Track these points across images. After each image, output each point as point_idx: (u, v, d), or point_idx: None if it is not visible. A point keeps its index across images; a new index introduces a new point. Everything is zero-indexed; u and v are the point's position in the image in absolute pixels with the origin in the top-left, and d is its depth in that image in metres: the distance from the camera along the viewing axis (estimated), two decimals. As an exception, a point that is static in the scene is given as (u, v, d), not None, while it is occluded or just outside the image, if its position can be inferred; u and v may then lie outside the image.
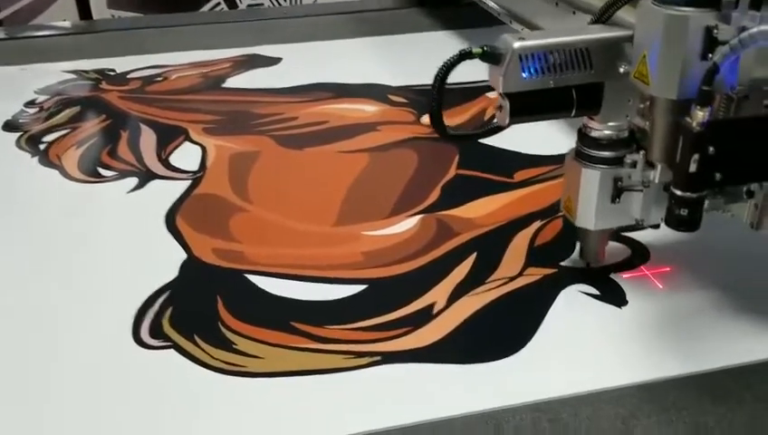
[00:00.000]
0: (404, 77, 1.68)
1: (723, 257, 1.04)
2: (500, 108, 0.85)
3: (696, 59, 0.75)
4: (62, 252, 1.12)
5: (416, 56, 1.82)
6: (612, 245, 1.03)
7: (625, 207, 0.90)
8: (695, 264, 1.02)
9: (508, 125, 0.86)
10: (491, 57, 0.83)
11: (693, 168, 0.72)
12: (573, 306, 0.96)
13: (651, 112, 0.82)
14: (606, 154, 0.88)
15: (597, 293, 0.98)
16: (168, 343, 0.92)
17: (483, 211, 1.18)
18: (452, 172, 1.29)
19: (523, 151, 1.34)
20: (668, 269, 1.01)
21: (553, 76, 0.84)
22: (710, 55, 0.73)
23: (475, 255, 1.07)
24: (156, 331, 0.94)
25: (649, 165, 0.85)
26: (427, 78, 1.63)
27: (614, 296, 0.97)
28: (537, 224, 1.13)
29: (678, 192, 0.75)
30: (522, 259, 1.05)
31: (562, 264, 1.04)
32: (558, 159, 1.30)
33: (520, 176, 1.27)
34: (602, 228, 0.94)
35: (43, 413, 0.83)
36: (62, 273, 1.07)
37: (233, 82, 1.73)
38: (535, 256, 1.06)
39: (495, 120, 0.88)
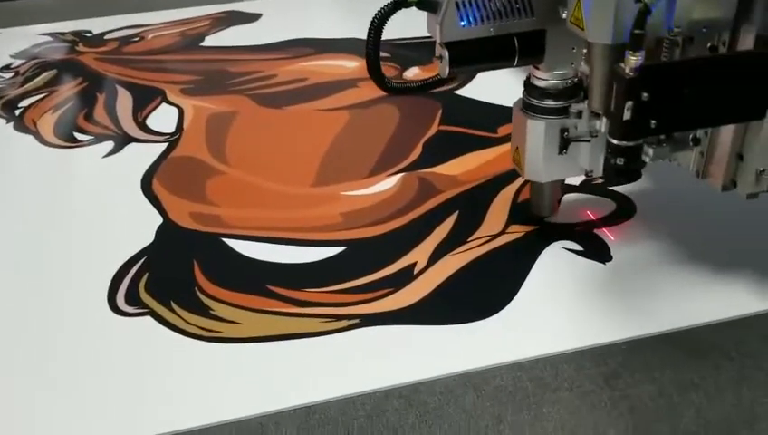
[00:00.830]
0: (386, 31, 1.62)
1: (707, 210, 1.01)
2: (440, 58, 0.83)
3: (630, 1, 0.71)
4: (37, 219, 1.10)
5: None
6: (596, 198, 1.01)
7: (573, 159, 0.89)
8: (680, 219, 1.00)
9: (449, 76, 0.84)
10: (427, 5, 0.81)
11: (627, 115, 0.69)
12: (557, 263, 0.94)
13: (589, 60, 0.79)
14: (551, 104, 0.87)
15: (581, 249, 0.96)
16: (145, 310, 0.90)
17: (465, 168, 1.15)
18: (434, 128, 1.26)
19: (507, 105, 1.30)
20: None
21: (493, 24, 0.81)
22: None
23: (457, 213, 1.05)
24: (132, 297, 0.92)
25: (596, 115, 0.82)
26: (409, 31, 1.59)
27: (598, 252, 0.95)
28: (520, 180, 1.10)
29: (614, 141, 0.73)
30: (504, 216, 1.03)
31: (546, 220, 1.01)
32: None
33: (504, 130, 1.24)
34: (551, 180, 0.93)
35: (17, 383, 0.81)
36: (37, 240, 1.05)
37: (211, 41, 1.68)
38: (518, 212, 1.04)
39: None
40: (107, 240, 1.03)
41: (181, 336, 0.86)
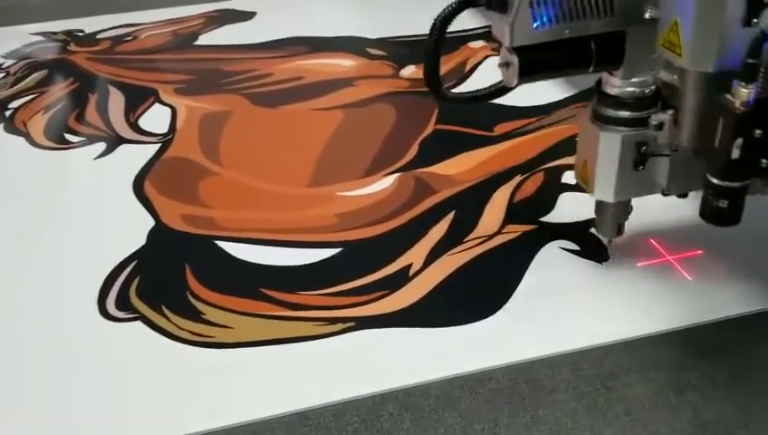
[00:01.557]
0: (383, 29, 1.62)
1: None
2: (506, 65, 0.74)
3: (737, 25, 0.63)
4: (27, 222, 1.09)
5: (396, 6, 1.75)
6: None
7: (649, 175, 0.79)
8: (676, 219, 0.99)
9: (516, 85, 0.75)
10: (496, 4, 0.71)
11: (735, 154, 0.63)
12: (554, 263, 0.93)
13: (681, 85, 0.71)
14: (628, 114, 0.77)
15: (577, 249, 0.95)
16: (135, 315, 0.89)
17: (462, 167, 1.14)
18: (430, 127, 1.25)
19: (504, 103, 1.29)
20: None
21: (569, 24, 0.72)
22: (755, 20, 0.63)
23: (453, 213, 1.04)
24: (122, 302, 0.91)
25: (678, 125, 0.74)
26: (407, 29, 1.57)
27: (595, 252, 0.94)
28: (517, 179, 1.10)
29: (716, 181, 0.65)
30: (501, 216, 1.02)
31: (542, 219, 1.00)
32: (540, 111, 1.26)
33: (500, 129, 1.23)
34: (623, 199, 0.84)
35: (6, 388, 0.80)
36: (27, 244, 1.04)
37: (205, 39, 1.67)
38: (515, 212, 1.03)
39: (502, 81, 0.78)
40: (98, 243, 1.02)
41: (172, 341, 0.84)
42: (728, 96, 0.62)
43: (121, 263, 0.98)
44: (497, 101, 1.26)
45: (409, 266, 0.94)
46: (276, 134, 1.27)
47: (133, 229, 1.04)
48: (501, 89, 0.82)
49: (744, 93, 0.61)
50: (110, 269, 0.96)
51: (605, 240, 0.91)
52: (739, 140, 0.62)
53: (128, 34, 1.73)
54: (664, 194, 0.82)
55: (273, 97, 1.38)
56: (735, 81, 0.61)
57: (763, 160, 0.64)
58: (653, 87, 0.77)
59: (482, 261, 0.94)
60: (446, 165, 1.15)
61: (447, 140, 1.21)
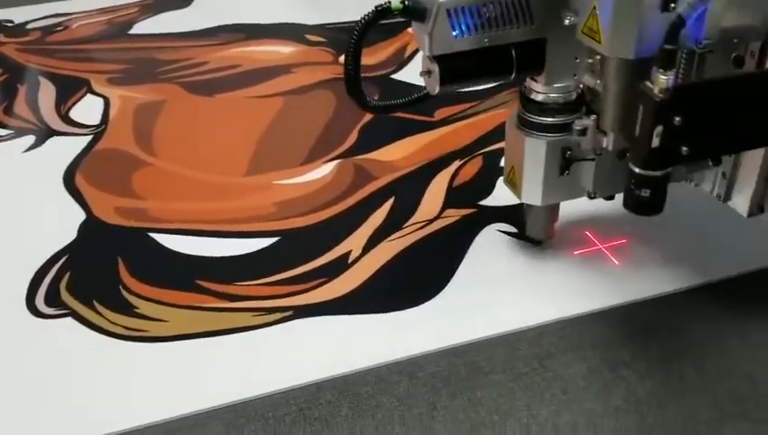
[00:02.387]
0: (322, 15, 1.60)
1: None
2: (428, 73, 0.74)
3: (656, 10, 0.62)
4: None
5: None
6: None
7: (575, 179, 0.81)
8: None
9: (439, 93, 0.75)
10: (413, 13, 0.71)
11: (656, 142, 0.61)
12: (492, 247, 0.93)
13: (603, 74, 0.70)
14: (552, 120, 0.78)
15: (515, 231, 0.95)
16: (66, 311, 0.86)
17: (402, 153, 1.13)
18: (370, 114, 1.24)
19: (443, 88, 1.29)
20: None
21: (489, 33, 0.72)
22: (672, 5, 0.62)
23: (392, 199, 1.03)
24: (52, 298, 0.88)
25: (601, 131, 0.75)
26: (346, 15, 1.56)
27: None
28: (457, 163, 1.10)
29: (638, 170, 0.64)
30: (440, 201, 1.02)
31: (481, 203, 1.01)
32: (479, 95, 1.26)
33: (440, 114, 1.23)
34: (551, 203, 0.85)
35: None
36: (-49, 242, 1.00)
37: (140, 28, 1.62)
38: (454, 196, 1.03)
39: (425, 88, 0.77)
40: (26, 239, 0.99)
41: (104, 337, 0.82)
42: (648, 83, 0.61)
43: (51, 258, 0.94)
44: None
45: (348, 254, 0.93)
46: (213, 123, 1.24)
47: (64, 223, 1.00)
48: (423, 96, 0.82)
49: (662, 80, 0.59)
50: (39, 265, 0.93)
51: (536, 241, 0.92)
52: (659, 128, 0.61)
53: (59, 24, 1.67)
54: (590, 197, 0.83)
55: (209, 85, 1.35)
56: (654, 67, 0.60)
57: (684, 148, 0.63)
58: (576, 92, 0.78)
59: (421, 246, 0.94)
60: (385, 151, 1.14)
61: (388, 125, 1.20)
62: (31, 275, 0.92)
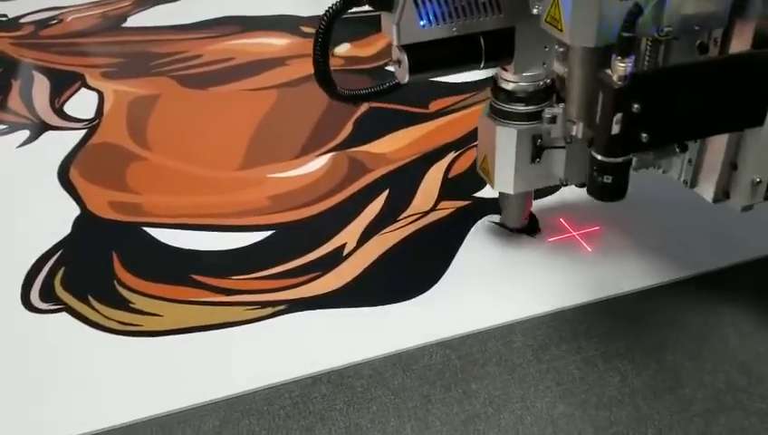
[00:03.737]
0: (316, 6, 1.59)
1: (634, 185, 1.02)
2: (398, 63, 0.74)
3: None
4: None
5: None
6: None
7: (547, 167, 0.81)
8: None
9: (409, 82, 0.75)
10: (381, 3, 0.71)
11: (615, 129, 0.61)
12: (486, 238, 0.93)
13: (568, 62, 0.70)
14: (522, 109, 0.78)
15: (510, 223, 0.95)
16: (60, 306, 0.86)
17: (397, 145, 1.13)
18: (365, 106, 1.24)
19: (439, 80, 1.29)
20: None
21: (456, 22, 0.72)
22: None
23: (387, 191, 1.03)
24: (47, 293, 0.88)
25: (570, 119, 0.74)
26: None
27: (527, 226, 0.94)
28: (452, 155, 1.09)
29: (600, 157, 0.64)
30: (435, 193, 1.02)
31: (476, 195, 1.01)
32: (474, 87, 1.26)
33: (435, 106, 1.22)
34: (523, 191, 0.86)
35: None
36: (-55, 238, 0.99)
37: (134, 21, 1.61)
38: (449, 188, 1.03)
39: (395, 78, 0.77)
40: (21, 234, 0.98)
41: (99, 332, 0.82)
42: (607, 71, 0.61)
43: (46, 253, 0.94)
44: (432, 78, 1.28)
45: (343, 247, 0.93)
46: (207, 117, 1.24)
47: (58, 218, 1.00)
48: (393, 86, 0.82)
49: (621, 68, 0.60)
50: (33, 260, 0.93)
51: (512, 229, 0.93)
52: (618, 115, 0.61)
53: (53, 18, 1.66)
54: (562, 184, 0.83)
55: (203, 79, 1.34)
56: (614, 55, 0.60)
57: (644, 135, 0.63)
58: (546, 81, 0.78)
59: (416, 238, 0.94)
60: (380, 143, 1.14)
61: (383, 117, 1.20)
62: (25, 271, 0.92)
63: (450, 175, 1.05)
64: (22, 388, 0.77)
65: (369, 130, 1.17)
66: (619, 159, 0.65)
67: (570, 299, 0.84)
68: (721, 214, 0.92)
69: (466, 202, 1.00)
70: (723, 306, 0.82)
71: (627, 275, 0.86)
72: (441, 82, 1.28)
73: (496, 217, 0.96)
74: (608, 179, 0.65)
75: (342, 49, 1.42)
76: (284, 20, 1.55)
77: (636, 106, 0.61)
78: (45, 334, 0.83)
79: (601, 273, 0.87)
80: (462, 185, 1.03)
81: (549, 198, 0.99)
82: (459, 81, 1.27)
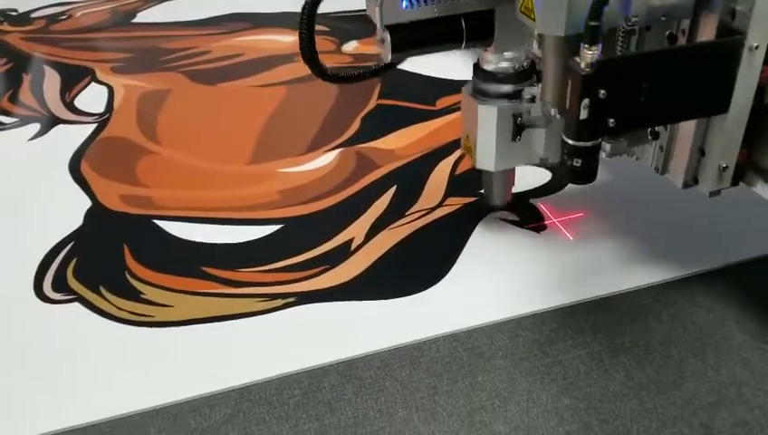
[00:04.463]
0: (325, 3, 1.59)
1: (636, 182, 1.03)
2: (381, 41, 0.76)
3: None
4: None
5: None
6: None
7: (527, 145, 0.84)
8: (612, 191, 1.02)
9: (391, 62, 0.77)
10: None
11: (583, 114, 0.64)
12: (493, 234, 0.94)
13: (542, 51, 0.73)
14: (503, 88, 0.81)
15: (516, 219, 0.96)
16: (73, 296, 0.87)
17: (404, 142, 1.14)
18: (373, 102, 1.25)
19: (445, 77, 1.30)
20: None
21: (438, 4, 0.75)
22: None
23: (395, 187, 1.04)
24: (59, 284, 0.89)
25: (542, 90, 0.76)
26: (348, 4, 1.55)
27: (533, 222, 0.96)
28: (458, 152, 1.10)
29: (570, 141, 0.67)
30: (442, 189, 1.03)
31: (482, 191, 1.01)
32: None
33: (442, 103, 1.23)
34: (504, 169, 0.88)
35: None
36: (-42, 229, 1.01)
37: (143, 17, 1.62)
38: (456, 185, 1.04)
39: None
40: (33, 226, 1.00)
41: (111, 322, 0.83)
42: (576, 59, 0.64)
43: (58, 244, 0.96)
44: (439, 76, 1.29)
45: (351, 241, 0.94)
46: (216, 112, 1.25)
47: (70, 211, 1.02)
48: (382, 67, 0.83)
49: (588, 55, 0.62)
50: (46, 251, 0.94)
51: (494, 206, 0.96)
52: (586, 101, 0.63)
53: (63, 13, 1.67)
54: (542, 163, 0.85)
55: (212, 74, 1.36)
56: (582, 43, 0.63)
57: (611, 120, 0.66)
58: (526, 62, 0.81)
59: (423, 234, 0.95)
60: (388, 139, 1.15)
61: (390, 114, 1.21)
62: (38, 261, 0.93)
63: (457, 172, 1.06)
64: (35, 377, 0.78)
65: (377, 126, 1.18)
66: (588, 143, 0.67)
67: (576, 295, 0.85)
68: (727, 211, 0.93)
69: (473, 198, 1.01)
70: (728, 303, 0.83)
71: (633, 271, 0.87)
72: (448, 79, 1.29)
73: (504, 214, 0.97)
74: (577, 163, 0.68)
75: (350, 46, 1.44)
76: (292, 17, 1.54)
77: (602, 92, 0.64)
78: (58, 324, 0.84)
79: (608, 268, 0.88)
80: (469, 181, 1.04)
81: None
82: (466, 78, 1.27)
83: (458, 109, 1.22)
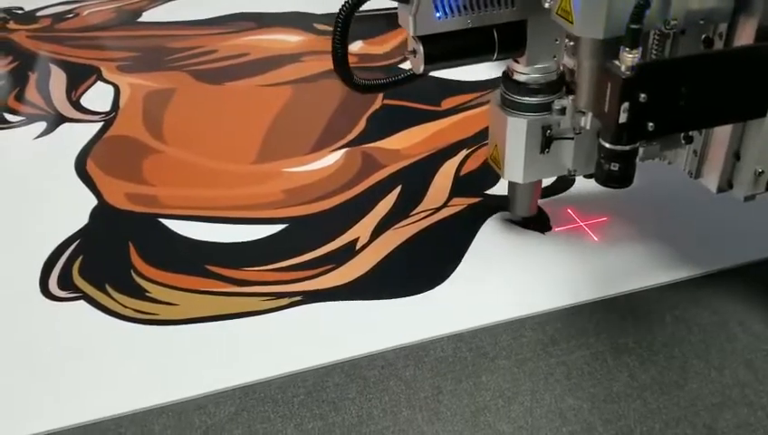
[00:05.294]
0: (330, 4, 1.60)
1: (641, 182, 1.03)
2: (413, 53, 0.77)
3: None
4: (-35, 204, 1.06)
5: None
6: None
7: (556, 157, 0.84)
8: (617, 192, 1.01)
9: (424, 72, 0.77)
10: None
11: (623, 118, 0.64)
12: (497, 235, 0.95)
13: (577, 54, 0.73)
14: (533, 100, 0.81)
15: (520, 220, 0.96)
16: (78, 294, 0.88)
17: (409, 142, 1.14)
18: (378, 103, 1.25)
19: (451, 78, 1.30)
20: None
21: (471, 15, 0.75)
22: None
23: (400, 187, 1.04)
24: (65, 282, 0.90)
25: (579, 110, 0.77)
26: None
27: (538, 223, 0.96)
28: (464, 153, 1.11)
29: (608, 145, 0.67)
30: (447, 190, 1.03)
31: (487, 192, 1.02)
32: (486, 85, 1.27)
33: (447, 103, 1.24)
34: (532, 181, 0.88)
35: (-57, 375, 0.79)
36: (-35, 226, 1.01)
37: (149, 16, 1.63)
38: (461, 185, 1.04)
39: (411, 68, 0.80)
40: (39, 223, 1.00)
41: (116, 320, 0.84)
42: (615, 62, 0.64)
43: (64, 242, 0.96)
44: (445, 76, 1.29)
45: (356, 241, 0.94)
46: (222, 111, 1.25)
47: (76, 209, 1.02)
48: (409, 77, 0.84)
49: (628, 58, 0.62)
50: (52, 249, 0.95)
51: (518, 218, 0.95)
52: (625, 105, 0.63)
53: (69, 11, 1.68)
54: (570, 175, 0.85)
55: (218, 74, 1.36)
56: (622, 46, 0.63)
57: (650, 124, 0.66)
58: (556, 73, 0.80)
59: (428, 234, 0.95)
60: (393, 140, 1.15)
61: (395, 114, 1.21)
62: (44, 259, 0.93)
63: (462, 172, 1.07)
64: (40, 374, 0.78)
65: (382, 126, 1.18)
66: (626, 148, 0.67)
67: (580, 295, 0.85)
68: (732, 211, 0.93)
69: (478, 199, 1.01)
70: (732, 305, 0.83)
71: (637, 271, 0.87)
72: (453, 80, 1.29)
73: (509, 214, 0.97)
74: (614, 167, 0.68)
75: (356, 47, 1.44)
76: (298, 17, 1.56)
77: (642, 96, 0.63)
78: (63, 322, 0.84)
79: (612, 269, 0.88)
80: (474, 182, 1.04)
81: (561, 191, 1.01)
82: (471, 79, 1.28)
83: (464, 109, 1.23)
